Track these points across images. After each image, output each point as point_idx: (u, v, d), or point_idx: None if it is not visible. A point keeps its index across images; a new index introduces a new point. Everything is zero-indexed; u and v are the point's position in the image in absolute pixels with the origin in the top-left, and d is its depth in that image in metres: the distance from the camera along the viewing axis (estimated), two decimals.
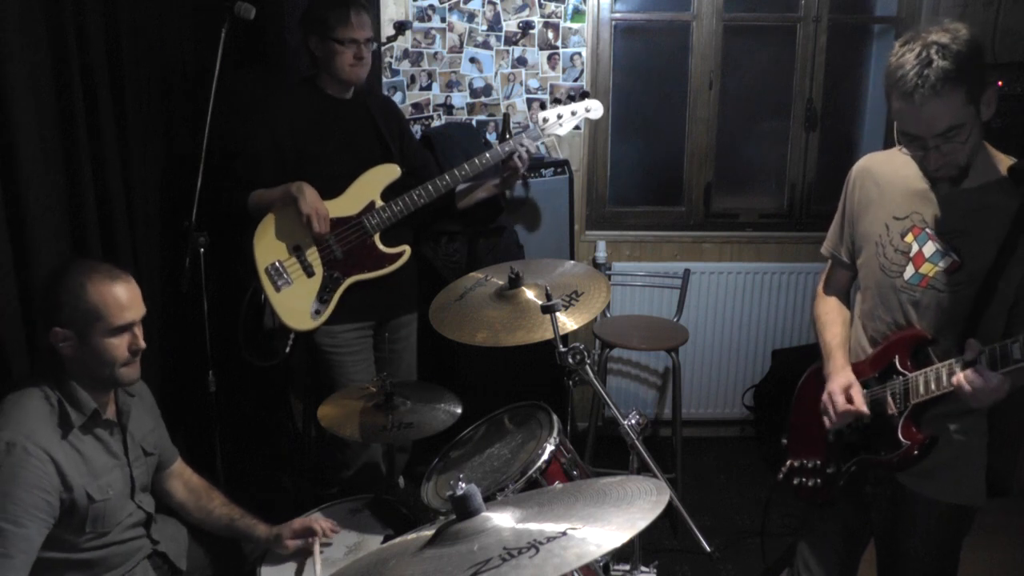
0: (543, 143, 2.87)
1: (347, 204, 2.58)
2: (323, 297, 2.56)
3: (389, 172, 2.61)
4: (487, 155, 2.65)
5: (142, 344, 1.78)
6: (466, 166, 2.62)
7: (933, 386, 1.68)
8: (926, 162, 1.65)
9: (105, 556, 1.80)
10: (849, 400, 1.80)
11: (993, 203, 1.65)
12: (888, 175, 1.81)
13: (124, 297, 1.73)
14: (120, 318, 1.72)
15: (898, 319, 1.79)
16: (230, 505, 2.07)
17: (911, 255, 1.75)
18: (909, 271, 1.75)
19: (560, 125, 2.77)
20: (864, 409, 1.79)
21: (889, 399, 1.77)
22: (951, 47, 1.53)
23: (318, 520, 2.03)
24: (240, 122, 2.62)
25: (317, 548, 1.97)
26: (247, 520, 2.03)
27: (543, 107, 2.80)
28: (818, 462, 1.96)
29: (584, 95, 2.83)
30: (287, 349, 2.60)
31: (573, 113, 2.78)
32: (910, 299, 1.76)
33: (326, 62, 2.54)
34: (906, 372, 1.75)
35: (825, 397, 1.85)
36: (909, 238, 1.75)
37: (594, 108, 2.81)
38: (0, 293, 1.85)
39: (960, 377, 1.59)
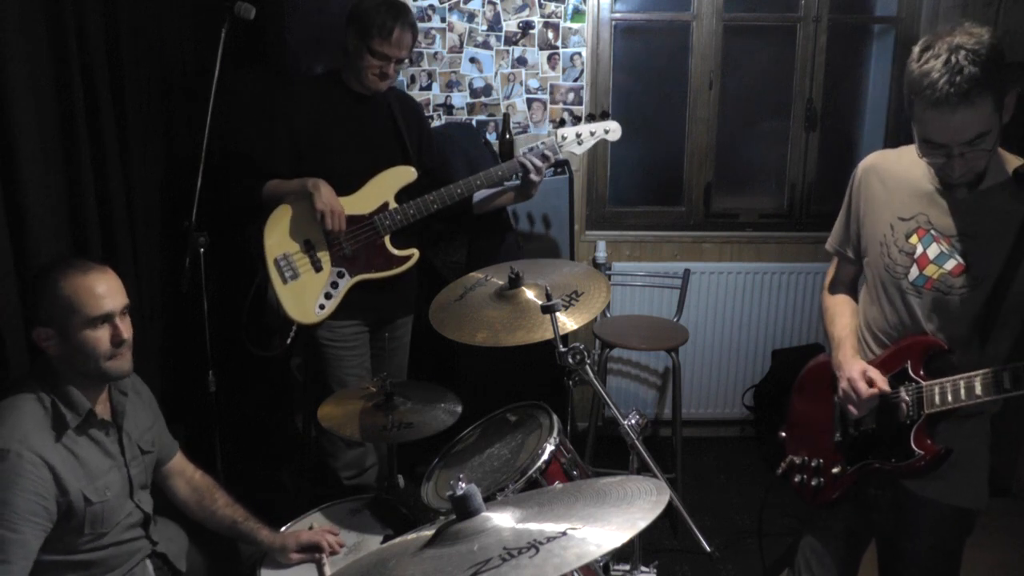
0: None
1: (360, 203, 2.58)
2: (329, 293, 2.56)
3: (405, 174, 2.61)
4: (503, 167, 2.65)
5: (125, 335, 1.75)
6: (482, 176, 2.61)
7: (950, 398, 1.66)
8: (949, 169, 1.62)
9: (104, 557, 1.80)
10: (870, 383, 1.78)
11: (1000, 206, 1.63)
12: (895, 174, 1.79)
13: (98, 288, 1.71)
14: (96, 308, 1.70)
15: (904, 319, 1.78)
16: (234, 506, 2.06)
17: (915, 256, 1.74)
18: (913, 272, 1.74)
19: (579, 144, 2.74)
20: (887, 387, 1.76)
21: (902, 405, 1.75)
22: (978, 51, 1.49)
23: (324, 535, 2.01)
24: (244, 119, 2.61)
25: (327, 569, 1.95)
26: (251, 524, 2.03)
27: (563, 123, 2.77)
28: (821, 461, 1.95)
29: (604, 115, 2.80)
30: (288, 341, 2.60)
31: (592, 133, 2.74)
32: (915, 300, 1.75)
33: (353, 60, 2.54)
34: (919, 380, 1.73)
35: (845, 385, 1.82)
36: (914, 239, 1.74)
37: (613, 130, 2.76)
38: (0, 293, 1.85)
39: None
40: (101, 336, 1.72)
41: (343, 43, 2.56)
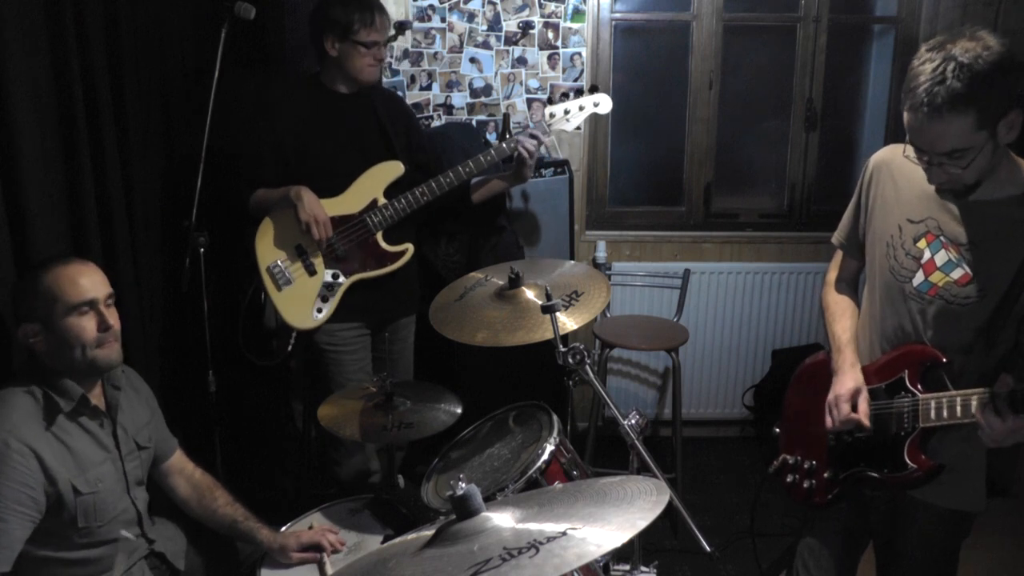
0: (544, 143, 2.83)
1: (349, 202, 2.58)
2: (325, 296, 2.56)
3: (392, 169, 2.61)
4: (492, 151, 2.63)
5: (111, 322, 1.75)
6: (470, 163, 2.60)
7: (946, 414, 1.64)
8: (929, 175, 1.62)
9: (100, 555, 1.80)
10: (854, 408, 1.77)
11: (1013, 218, 1.60)
12: (908, 173, 1.74)
13: (78, 276, 1.73)
14: (76, 295, 1.71)
15: (904, 324, 1.76)
16: (234, 505, 2.06)
17: (922, 261, 1.71)
18: (919, 277, 1.71)
19: (567, 120, 2.73)
20: (866, 422, 1.76)
21: (895, 417, 1.74)
22: (972, 67, 1.45)
23: (325, 534, 2.01)
24: (242, 121, 2.62)
25: (329, 568, 1.95)
26: (250, 523, 2.03)
27: (550, 102, 2.76)
28: (814, 462, 1.94)
29: (593, 89, 2.79)
30: (288, 348, 2.60)
31: (581, 108, 2.73)
32: (917, 306, 1.72)
33: (343, 62, 2.53)
34: (915, 391, 1.72)
35: (831, 398, 1.82)
36: (922, 244, 1.71)
37: (603, 102, 2.75)
38: (0, 293, 1.85)
39: (979, 414, 1.56)
40: (86, 324, 1.72)
41: (318, 53, 2.55)
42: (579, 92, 2.77)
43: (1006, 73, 1.48)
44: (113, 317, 1.77)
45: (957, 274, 1.66)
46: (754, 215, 3.82)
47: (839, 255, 2.00)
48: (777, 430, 2.06)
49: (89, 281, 1.74)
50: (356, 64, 2.52)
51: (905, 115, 1.56)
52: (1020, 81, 1.50)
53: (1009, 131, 1.54)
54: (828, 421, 1.83)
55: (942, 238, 1.68)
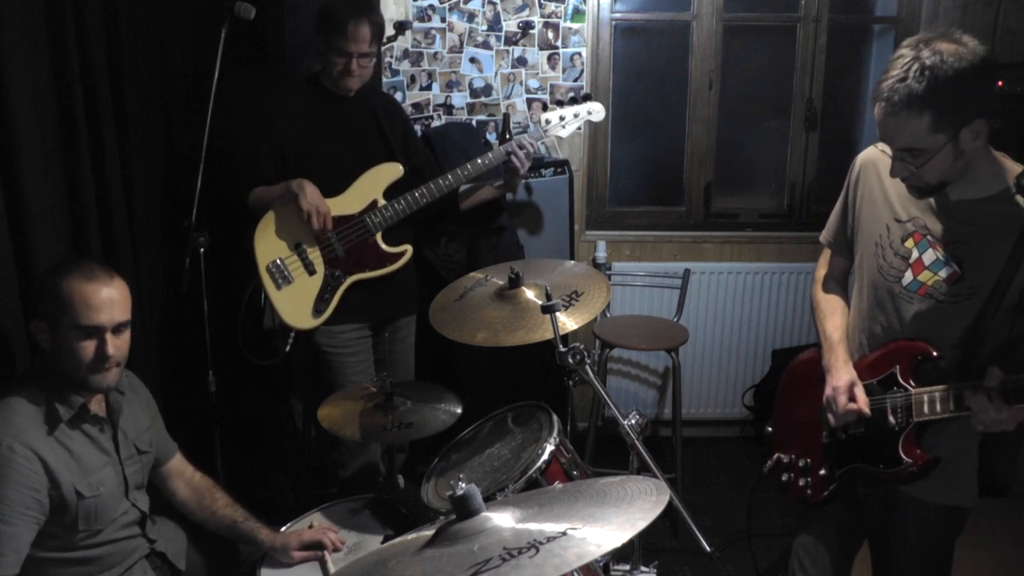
0: (543, 143, 2.85)
1: (349, 202, 2.58)
2: (324, 296, 2.56)
3: (392, 171, 2.61)
4: (489, 155, 2.64)
5: (111, 352, 1.70)
6: (468, 166, 2.61)
7: (939, 408, 1.66)
8: (891, 167, 1.64)
9: (100, 555, 1.80)
10: (852, 399, 1.78)
11: (998, 214, 1.60)
12: None
13: (95, 298, 1.68)
14: (85, 317, 1.68)
15: (893, 323, 1.77)
16: (234, 506, 2.06)
17: (910, 261, 1.71)
18: (907, 277, 1.72)
19: (563, 127, 2.76)
20: (866, 410, 1.76)
21: (889, 412, 1.75)
22: (936, 69, 1.47)
23: (327, 532, 2.01)
24: (242, 120, 2.62)
25: (331, 566, 1.95)
26: (250, 524, 2.03)
27: (545, 108, 2.78)
28: (808, 461, 1.94)
29: (587, 97, 2.82)
30: (287, 348, 2.60)
31: (575, 115, 2.77)
32: (907, 305, 1.73)
33: (323, 61, 2.55)
34: (908, 386, 1.72)
35: (829, 393, 1.82)
36: (910, 243, 1.72)
37: (596, 111, 2.80)
38: (0, 293, 1.86)
39: (971, 403, 1.58)
40: (86, 347, 1.70)
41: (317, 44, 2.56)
42: (574, 99, 2.79)
43: (971, 81, 1.49)
44: (117, 346, 1.73)
45: (945, 273, 1.67)
46: (754, 215, 3.82)
47: (827, 253, 2.01)
48: (769, 429, 2.07)
49: (104, 305, 1.69)
50: (328, 67, 2.52)
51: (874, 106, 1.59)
52: (988, 91, 1.53)
53: (974, 139, 1.55)
54: (829, 418, 1.83)
55: (929, 237, 1.69)
